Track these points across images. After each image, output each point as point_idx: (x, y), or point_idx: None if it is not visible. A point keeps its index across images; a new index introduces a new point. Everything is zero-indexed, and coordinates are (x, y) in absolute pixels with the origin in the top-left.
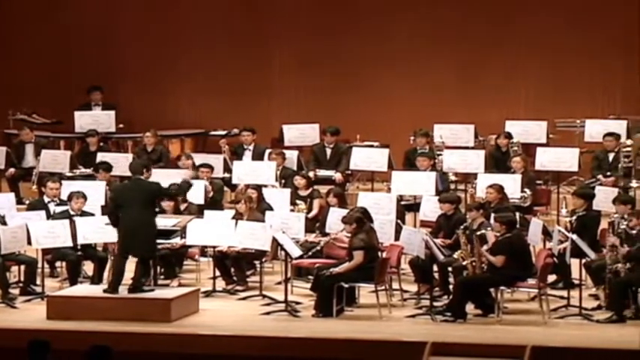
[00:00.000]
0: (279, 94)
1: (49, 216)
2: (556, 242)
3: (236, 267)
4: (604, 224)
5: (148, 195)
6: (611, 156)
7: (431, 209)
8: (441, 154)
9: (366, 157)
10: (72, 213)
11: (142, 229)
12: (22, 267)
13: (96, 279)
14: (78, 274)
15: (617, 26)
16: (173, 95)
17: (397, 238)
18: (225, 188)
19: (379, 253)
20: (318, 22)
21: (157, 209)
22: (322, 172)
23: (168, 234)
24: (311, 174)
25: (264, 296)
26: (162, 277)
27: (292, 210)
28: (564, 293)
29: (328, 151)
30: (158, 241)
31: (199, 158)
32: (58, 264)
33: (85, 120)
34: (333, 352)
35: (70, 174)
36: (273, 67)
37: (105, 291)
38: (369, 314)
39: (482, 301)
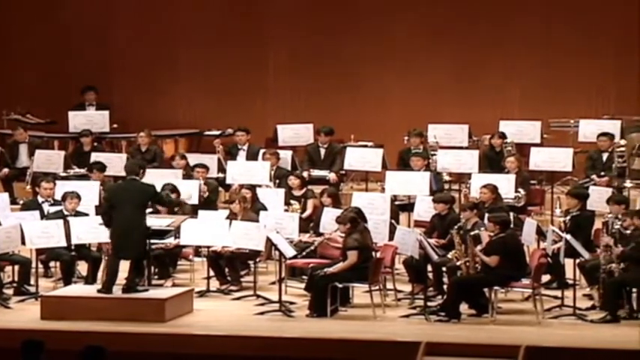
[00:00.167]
0: (273, 95)
1: (43, 216)
2: (550, 242)
3: (230, 267)
4: (598, 224)
5: (142, 196)
6: (605, 156)
7: (425, 209)
8: (435, 154)
9: (360, 157)
10: (66, 213)
11: (134, 230)
12: (16, 267)
13: (90, 279)
14: (72, 274)
15: (611, 26)
16: (167, 95)
17: (391, 238)
18: (220, 188)
19: (373, 253)
20: (312, 22)
21: (151, 210)
22: (316, 172)
23: (162, 234)
24: (305, 174)
25: (259, 296)
26: (156, 277)
27: (286, 210)
28: (558, 293)
29: (322, 151)
30: (152, 241)
31: (193, 158)
32: (52, 264)
33: (79, 120)
34: (327, 352)
35: (64, 174)
36: (268, 67)
37: (99, 291)
38: (363, 314)
39: (476, 301)
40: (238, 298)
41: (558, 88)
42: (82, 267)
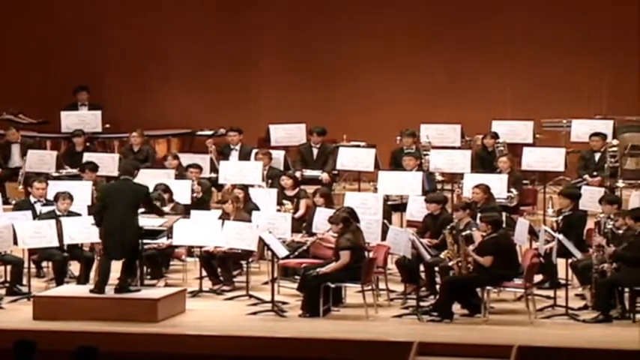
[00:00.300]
0: (265, 95)
1: (36, 216)
2: (542, 242)
3: (222, 267)
4: (590, 224)
5: (135, 196)
6: (597, 156)
7: (417, 209)
8: (427, 154)
9: (353, 157)
10: (58, 213)
11: (127, 230)
12: (9, 267)
13: (82, 279)
14: (64, 275)
15: (603, 26)
16: (160, 95)
17: (384, 238)
18: (212, 188)
19: (366, 253)
20: (305, 22)
21: (143, 210)
22: (309, 172)
23: (154, 234)
24: (297, 174)
25: (251, 296)
26: (148, 277)
27: (279, 210)
28: (551, 293)
29: (315, 151)
30: (145, 241)
31: (186, 158)
32: (44, 264)
33: (71, 120)
34: (319, 352)
35: (57, 174)
36: (260, 67)
37: (91, 291)
38: (355, 314)
39: (469, 301)
40: (231, 299)
41: (551, 88)
42: (75, 267)
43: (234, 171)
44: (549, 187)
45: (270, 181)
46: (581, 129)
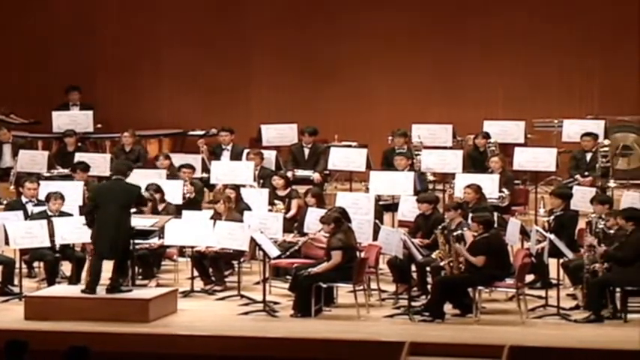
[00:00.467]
0: (257, 95)
1: (27, 216)
2: (534, 242)
3: (214, 267)
4: (582, 224)
5: (127, 196)
6: (588, 156)
7: (409, 209)
8: (419, 154)
9: (344, 157)
10: (50, 213)
11: (118, 230)
12: (0, 267)
13: (74, 279)
14: (56, 275)
15: (595, 26)
16: (151, 95)
17: (375, 238)
18: (204, 189)
19: (357, 253)
20: (296, 21)
21: (135, 210)
22: (300, 172)
23: (146, 234)
24: (289, 174)
25: (243, 296)
26: (140, 277)
27: (270, 210)
28: (542, 293)
29: (306, 151)
30: (136, 241)
31: (177, 158)
32: (35, 264)
33: (62, 120)
34: (311, 352)
35: (48, 174)
36: (252, 67)
37: (83, 291)
38: (347, 314)
39: (461, 301)
40: (222, 299)
41: (542, 89)
42: (66, 267)
43: (226, 171)
44: (541, 187)
45: (261, 181)
46: (573, 129)
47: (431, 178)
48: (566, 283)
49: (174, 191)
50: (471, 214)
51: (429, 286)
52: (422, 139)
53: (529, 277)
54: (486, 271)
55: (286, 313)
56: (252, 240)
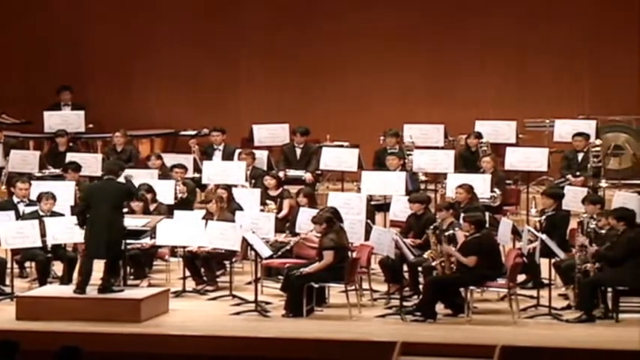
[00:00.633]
0: (248, 95)
1: (19, 216)
2: (526, 242)
3: (206, 267)
4: (573, 224)
5: (119, 195)
6: (580, 156)
7: (401, 209)
8: (410, 154)
9: (336, 157)
10: (41, 213)
11: (110, 229)
12: None
13: (65, 279)
14: (47, 275)
15: (585, 26)
16: (143, 95)
17: (367, 238)
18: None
19: (349, 253)
20: (287, 21)
21: (126, 210)
22: (292, 172)
23: (137, 234)
24: (281, 174)
25: (234, 296)
26: (131, 277)
27: (262, 210)
28: (534, 293)
29: (298, 151)
30: (128, 241)
31: (169, 158)
32: (27, 264)
33: (54, 120)
34: (302, 352)
35: (40, 174)
36: (243, 67)
37: (75, 291)
38: (339, 314)
39: (452, 300)
40: (214, 299)
41: (533, 89)
42: (58, 267)
43: (218, 171)
44: (532, 187)
45: (253, 181)
46: (564, 129)
47: (423, 178)
48: (558, 283)
49: (166, 191)
50: (462, 214)
51: (420, 286)
52: (414, 139)
53: (521, 277)
54: (478, 271)
55: (278, 313)
56: (244, 240)
